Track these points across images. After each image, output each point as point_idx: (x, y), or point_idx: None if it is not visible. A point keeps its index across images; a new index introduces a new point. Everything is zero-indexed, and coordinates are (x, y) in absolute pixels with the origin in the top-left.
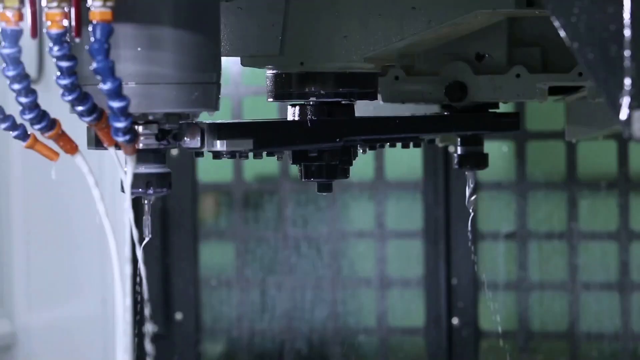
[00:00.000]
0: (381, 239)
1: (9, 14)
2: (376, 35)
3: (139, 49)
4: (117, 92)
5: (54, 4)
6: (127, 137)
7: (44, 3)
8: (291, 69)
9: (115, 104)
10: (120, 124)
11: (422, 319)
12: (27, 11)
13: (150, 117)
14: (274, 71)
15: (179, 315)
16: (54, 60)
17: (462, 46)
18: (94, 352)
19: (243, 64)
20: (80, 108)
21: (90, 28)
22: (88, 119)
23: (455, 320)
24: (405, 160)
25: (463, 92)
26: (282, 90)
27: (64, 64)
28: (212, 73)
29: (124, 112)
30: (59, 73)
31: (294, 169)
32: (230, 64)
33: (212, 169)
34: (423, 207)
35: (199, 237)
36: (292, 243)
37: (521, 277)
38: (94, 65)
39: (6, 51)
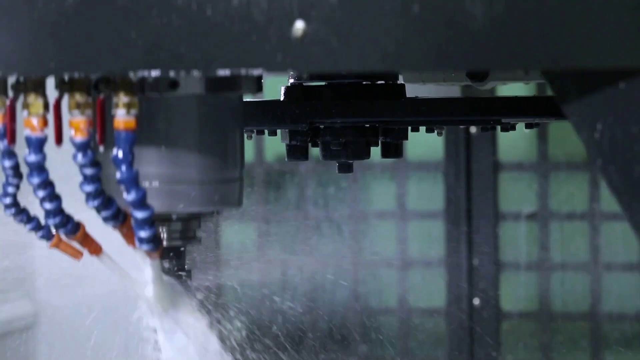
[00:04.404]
0: (402, 219)
1: (34, 121)
2: None
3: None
4: (141, 202)
5: (77, 111)
6: (151, 246)
7: (67, 109)
8: None
9: (140, 214)
10: (144, 234)
11: (443, 300)
12: (51, 117)
13: (173, 217)
14: None
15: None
16: (78, 167)
17: None
18: (116, 333)
19: None
20: (104, 213)
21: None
22: (112, 222)
23: (476, 301)
24: (426, 141)
25: (485, 73)
26: None
27: (89, 171)
28: (235, 170)
29: (148, 222)
30: (82, 180)
31: (315, 149)
32: None
33: None
34: (444, 187)
35: (219, 217)
36: (313, 223)
37: (542, 257)
38: (118, 175)
39: (31, 159)
